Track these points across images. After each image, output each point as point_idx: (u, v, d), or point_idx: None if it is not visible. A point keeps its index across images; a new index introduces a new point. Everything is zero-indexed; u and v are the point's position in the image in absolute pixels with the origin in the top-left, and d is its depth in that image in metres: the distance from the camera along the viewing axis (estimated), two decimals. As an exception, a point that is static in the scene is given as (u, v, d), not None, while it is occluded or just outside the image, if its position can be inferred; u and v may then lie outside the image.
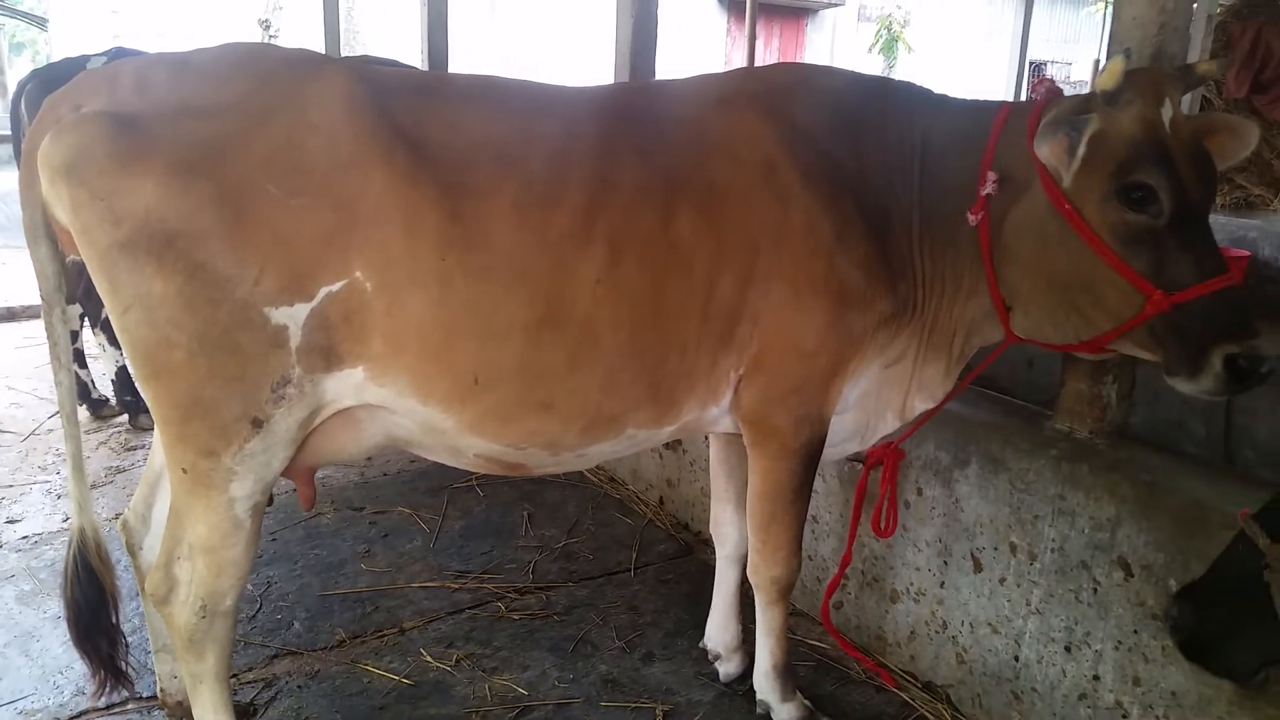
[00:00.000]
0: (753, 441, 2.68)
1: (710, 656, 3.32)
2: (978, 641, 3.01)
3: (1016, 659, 2.89)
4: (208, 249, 2.07)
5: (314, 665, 3.26)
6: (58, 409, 2.46)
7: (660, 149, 2.47)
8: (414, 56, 6.45)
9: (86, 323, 5.45)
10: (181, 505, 2.35)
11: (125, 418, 5.50)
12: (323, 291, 2.17)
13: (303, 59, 2.31)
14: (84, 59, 4.87)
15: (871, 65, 21.71)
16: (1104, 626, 2.63)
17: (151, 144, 2.06)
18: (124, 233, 2.05)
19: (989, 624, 2.97)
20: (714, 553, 3.31)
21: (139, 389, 2.28)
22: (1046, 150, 2.23)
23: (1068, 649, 2.73)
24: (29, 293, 7.35)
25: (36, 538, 4.08)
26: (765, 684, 3.00)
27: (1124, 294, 2.22)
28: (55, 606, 3.46)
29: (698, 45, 19.58)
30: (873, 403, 2.76)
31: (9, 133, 5.55)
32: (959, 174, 2.48)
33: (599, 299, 2.33)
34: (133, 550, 2.79)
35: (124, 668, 2.58)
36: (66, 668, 3.16)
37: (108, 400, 5.61)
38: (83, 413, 5.43)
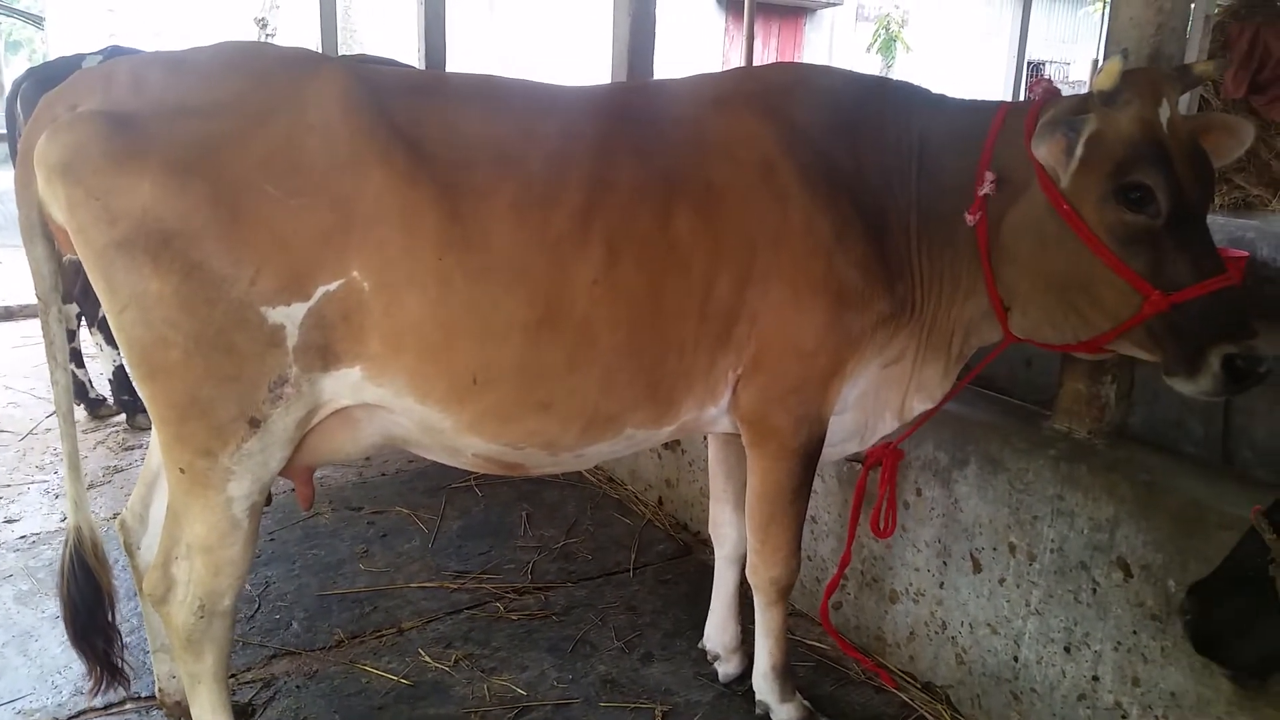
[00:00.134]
0: (751, 442, 2.68)
1: (709, 657, 3.32)
2: (977, 642, 3.01)
3: (1016, 659, 2.89)
4: (204, 248, 2.07)
5: (312, 665, 3.26)
6: (55, 408, 2.46)
7: (658, 149, 2.46)
8: (411, 55, 6.45)
9: (84, 322, 5.45)
10: (179, 505, 2.35)
11: (123, 417, 5.49)
12: (320, 291, 2.16)
13: (300, 58, 2.31)
14: (80, 58, 4.87)
15: (869, 65, 21.70)
16: (1103, 627, 2.63)
17: (147, 143, 2.05)
18: (120, 232, 2.04)
19: (988, 624, 2.97)
20: (713, 553, 3.30)
21: (136, 388, 2.27)
22: (1044, 150, 2.23)
23: (1067, 649, 2.73)
24: (26, 292, 7.33)
25: (34, 537, 4.07)
26: (764, 684, 3.00)
27: (1122, 294, 2.22)
28: (53, 606, 3.45)
29: (695, 45, 19.56)
30: (871, 403, 2.76)
31: (4, 131, 5.54)
32: (957, 174, 2.48)
33: (597, 299, 2.32)
34: (130, 550, 2.79)
35: (121, 666, 2.57)
36: (65, 667, 3.16)
37: (105, 400, 5.61)
38: (80, 412, 5.44)
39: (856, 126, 2.58)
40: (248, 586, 3.62)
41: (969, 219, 2.44)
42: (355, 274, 2.17)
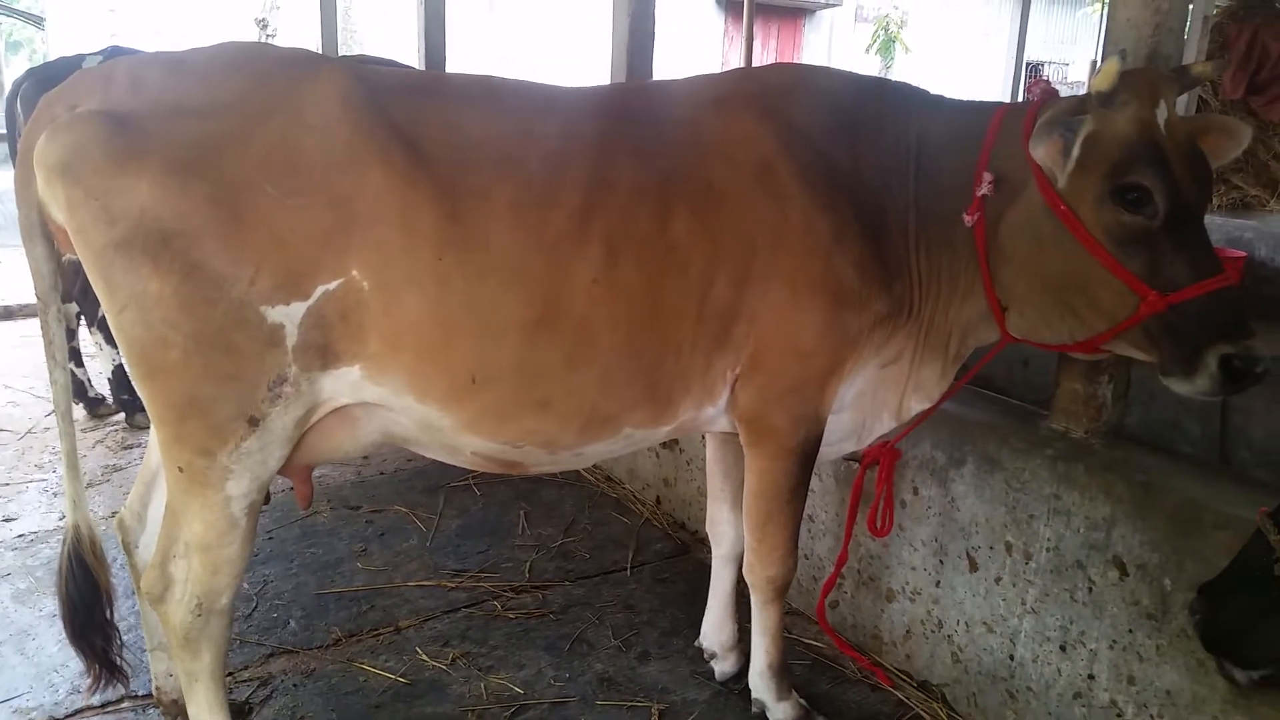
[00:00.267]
0: (749, 441, 2.68)
1: (706, 655, 3.33)
2: (973, 640, 3.02)
3: (1012, 658, 2.90)
4: (203, 248, 2.07)
5: (310, 664, 3.26)
6: (54, 407, 2.46)
7: (657, 150, 2.47)
8: (411, 56, 6.45)
9: (83, 321, 5.45)
10: (177, 503, 2.35)
11: (122, 416, 5.50)
12: (319, 290, 2.17)
13: (299, 58, 2.31)
14: (80, 58, 4.87)
15: (869, 66, 21.71)
16: (1099, 626, 2.64)
17: (147, 143, 2.05)
18: (119, 232, 2.05)
19: (984, 623, 2.97)
20: (710, 552, 3.31)
21: (135, 388, 2.28)
22: (1042, 151, 2.23)
23: (1063, 648, 2.74)
24: (25, 291, 7.34)
25: (33, 536, 4.07)
26: (761, 683, 3.01)
27: (1119, 295, 2.23)
28: (51, 605, 3.45)
29: (695, 45, 19.56)
30: (869, 402, 2.76)
31: (4, 131, 5.55)
32: (955, 175, 2.49)
33: (596, 299, 2.33)
34: (128, 548, 2.79)
35: (119, 663, 2.57)
36: (62, 666, 3.16)
37: (104, 399, 5.61)
38: (79, 411, 5.44)
39: (855, 127, 2.58)
40: (245, 585, 3.63)
41: (967, 220, 2.45)
42: (354, 273, 2.18)
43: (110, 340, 5.35)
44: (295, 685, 3.14)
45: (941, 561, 3.10)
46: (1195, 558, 2.39)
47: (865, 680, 3.28)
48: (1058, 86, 2.44)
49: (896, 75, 21.04)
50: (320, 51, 3.36)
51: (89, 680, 2.55)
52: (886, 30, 23.14)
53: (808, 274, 2.46)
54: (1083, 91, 2.29)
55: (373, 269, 2.18)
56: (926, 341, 2.66)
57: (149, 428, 2.62)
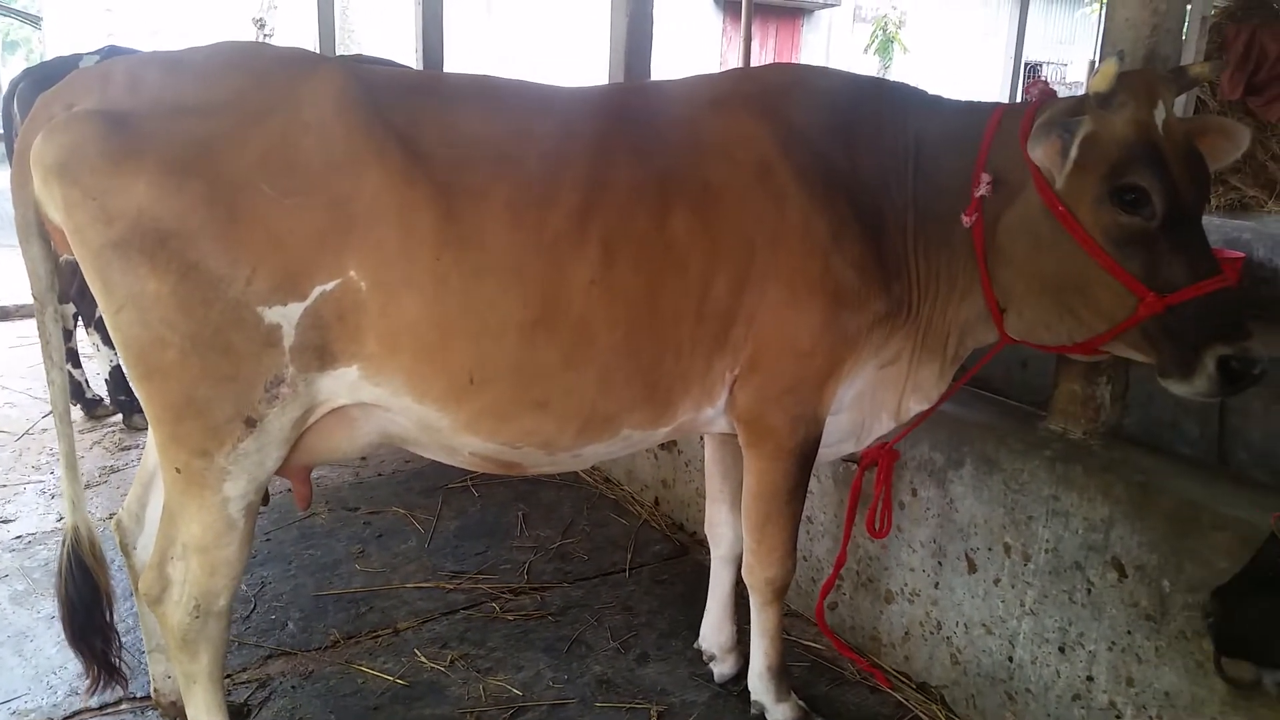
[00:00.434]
0: (748, 442, 2.68)
1: (705, 657, 3.32)
2: (972, 642, 3.02)
3: (1010, 660, 2.90)
4: (200, 248, 2.07)
5: (308, 666, 3.26)
6: (51, 408, 2.46)
7: (655, 149, 2.46)
8: (409, 56, 6.45)
9: (80, 322, 5.44)
10: (175, 505, 2.35)
11: (119, 417, 5.49)
12: (316, 291, 2.16)
13: (296, 58, 2.31)
14: (77, 57, 4.87)
15: (867, 66, 21.71)
16: (1098, 627, 2.63)
17: (144, 143, 2.05)
18: (116, 232, 2.04)
19: (983, 625, 2.97)
20: (709, 553, 3.30)
21: (132, 388, 2.27)
22: (1040, 152, 2.23)
23: (1061, 650, 2.74)
24: (22, 292, 7.32)
25: (30, 537, 4.07)
26: (760, 684, 3.00)
27: (1117, 296, 2.23)
28: (49, 606, 3.45)
29: (693, 45, 19.56)
30: (868, 403, 2.76)
31: (1, 131, 5.54)
32: (953, 175, 2.49)
33: (594, 299, 2.32)
34: (126, 550, 2.78)
35: (118, 666, 2.57)
36: (60, 668, 3.16)
37: (102, 400, 5.60)
38: (77, 412, 5.43)
39: (853, 127, 2.58)
40: (243, 587, 3.62)
41: (965, 220, 2.45)
42: (352, 274, 2.17)
43: (107, 341, 5.34)
44: (294, 687, 3.14)
45: (940, 563, 3.10)
46: (1194, 559, 2.39)
47: (864, 682, 3.27)
48: (1056, 87, 2.44)
49: (895, 75, 21.05)
50: (318, 51, 3.36)
51: (87, 682, 2.54)
52: (885, 30, 23.15)
53: (806, 274, 2.46)
54: (1081, 92, 2.29)
55: (370, 269, 2.18)
56: (925, 342, 2.66)
57: (146, 429, 2.61)
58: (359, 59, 5.43)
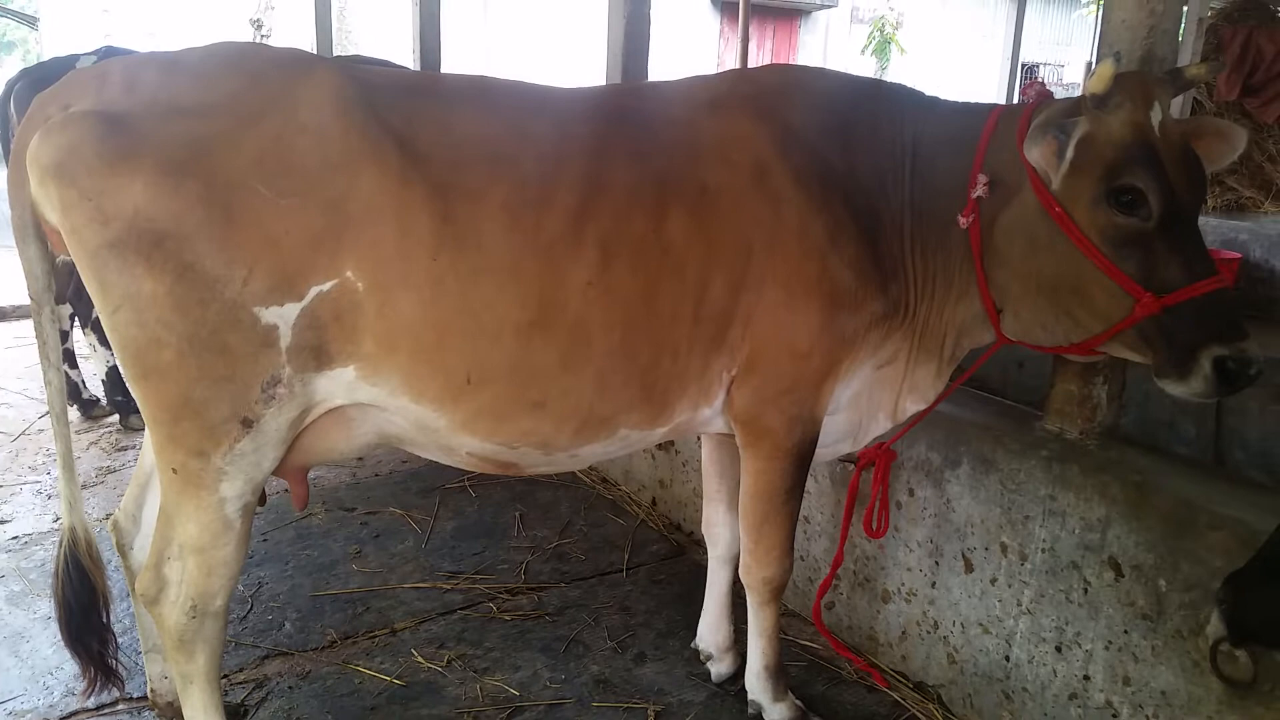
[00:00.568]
0: (745, 442, 2.68)
1: (702, 657, 3.33)
2: (969, 641, 3.02)
3: (1007, 659, 2.90)
4: (197, 249, 2.07)
5: (305, 666, 3.26)
6: (48, 409, 2.46)
7: (652, 151, 2.47)
8: (406, 57, 6.45)
9: (77, 323, 5.44)
10: (172, 505, 2.35)
11: (116, 418, 5.48)
12: (313, 291, 2.16)
13: (293, 59, 2.30)
14: (74, 58, 4.86)
15: (864, 67, 21.73)
16: (1094, 626, 2.64)
17: (140, 144, 2.05)
18: (113, 233, 2.04)
19: (980, 624, 2.98)
20: (706, 553, 3.31)
21: (129, 389, 2.27)
22: (1036, 153, 2.24)
23: (1058, 649, 2.74)
24: (19, 293, 7.32)
25: (27, 538, 4.06)
26: (757, 684, 3.00)
27: (1113, 297, 2.23)
28: (45, 607, 3.45)
29: (690, 47, 19.56)
30: (865, 403, 2.76)
31: (-1, 132, 5.53)
32: (950, 176, 2.49)
33: (591, 300, 2.33)
34: (123, 550, 2.78)
35: (115, 667, 2.57)
36: (56, 668, 3.15)
37: (99, 400, 5.60)
38: (74, 413, 5.43)
39: (850, 128, 2.58)
40: (240, 587, 3.62)
41: (962, 221, 2.45)
42: (349, 274, 2.17)
43: (104, 342, 5.33)
44: (290, 687, 3.14)
45: (937, 562, 3.11)
46: (1190, 558, 2.40)
47: (861, 681, 3.28)
48: (1053, 88, 2.45)
49: (892, 76, 21.07)
50: (315, 52, 3.36)
51: (84, 683, 2.54)
52: (882, 31, 23.16)
53: (803, 275, 2.46)
54: (1077, 93, 2.29)
55: (367, 270, 2.18)
56: (922, 343, 2.67)
57: (143, 429, 2.61)
58: (356, 60, 5.43)
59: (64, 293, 5.01)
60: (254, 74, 2.22)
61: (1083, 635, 2.67)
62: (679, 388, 2.52)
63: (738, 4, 9.73)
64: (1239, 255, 7.26)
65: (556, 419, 2.43)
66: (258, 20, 15.73)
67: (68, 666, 3.08)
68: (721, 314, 2.46)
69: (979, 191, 2.40)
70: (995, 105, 2.58)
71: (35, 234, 2.25)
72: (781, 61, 21.58)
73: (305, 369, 2.22)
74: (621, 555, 4.12)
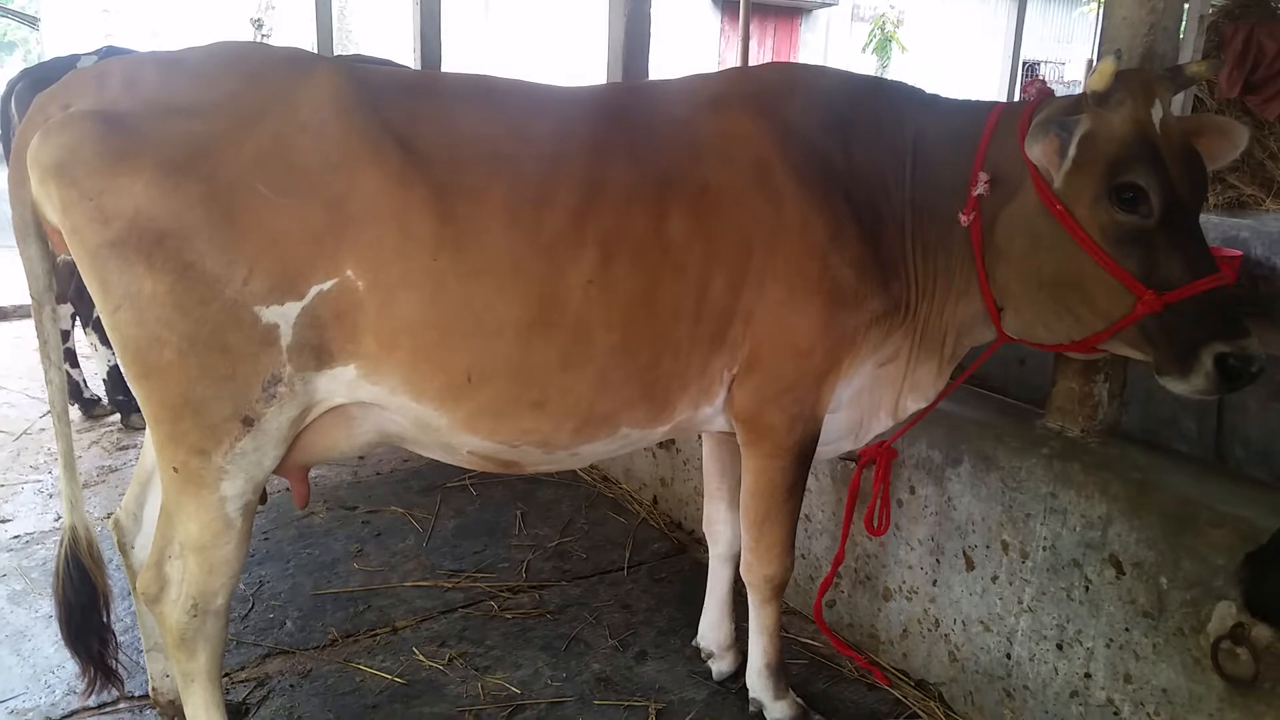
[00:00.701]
0: (746, 440, 2.68)
1: (703, 655, 3.33)
2: (970, 639, 3.02)
3: (1008, 657, 2.90)
4: (197, 248, 2.07)
5: (306, 664, 3.26)
6: (49, 408, 2.46)
7: (653, 149, 2.46)
8: (407, 56, 6.45)
9: (78, 322, 5.44)
10: (173, 504, 2.35)
11: (117, 417, 5.49)
12: (314, 290, 2.16)
13: (293, 58, 2.30)
14: (75, 58, 4.86)
15: (865, 65, 21.74)
16: (1095, 624, 2.64)
17: (141, 143, 2.05)
18: (113, 232, 2.04)
19: (981, 622, 2.98)
20: (707, 551, 3.31)
21: (130, 388, 2.27)
22: (1037, 151, 2.24)
23: (1059, 647, 2.74)
24: (20, 292, 7.32)
25: (28, 537, 4.07)
26: (758, 682, 3.01)
27: (1115, 294, 2.23)
28: (47, 606, 3.45)
29: (691, 45, 19.58)
30: (866, 401, 2.76)
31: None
32: (951, 174, 2.49)
33: (591, 299, 2.32)
34: (124, 549, 2.78)
35: (115, 666, 2.57)
36: (58, 667, 3.16)
37: (100, 400, 5.60)
38: (75, 412, 5.43)
39: (851, 126, 2.58)
40: (242, 586, 3.63)
41: (963, 219, 2.45)
42: (349, 273, 2.17)
43: (105, 341, 5.34)
44: (292, 686, 3.14)
45: (938, 560, 3.11)
46: (1191, 556, 2.40)
47: (862, 679, 3.28)
48: (1054, 86, 2.45)
49: (893, 74, 21.07)
50: (315, 51, 3.36)
51: (85, 683, 2.54)
52: (883, 29, 23.18)
53: (804, 274, 2.46)
54: (1078, 91, 2.29)
55: (367, 269, 2.18)
56: (923, 341, 2.67)
57: (144, 428, 2.61)
58: (357, 59, 5.43)
59: (65, 292, 5.01)
60: (254, 73, 2.22)
61: (1084, 633, 2.67)
62: (680, 386, 2.52)
63: (738, 2, 9.73)
64: (1240, 253, 7.25)
65: (557, 417, 2.43)
66: (258, 20, 15.74)
67: (69, 665, 3.07)
68: (722, 312, 2.46)
69: (980, 189, 2.40)
70: (996, 103, 2.58)
71: (36, 233, 2.25)
72: (782, 60, 21.57)
73: (306, 368, 2.23)
74: (622, 553, 4.12)
